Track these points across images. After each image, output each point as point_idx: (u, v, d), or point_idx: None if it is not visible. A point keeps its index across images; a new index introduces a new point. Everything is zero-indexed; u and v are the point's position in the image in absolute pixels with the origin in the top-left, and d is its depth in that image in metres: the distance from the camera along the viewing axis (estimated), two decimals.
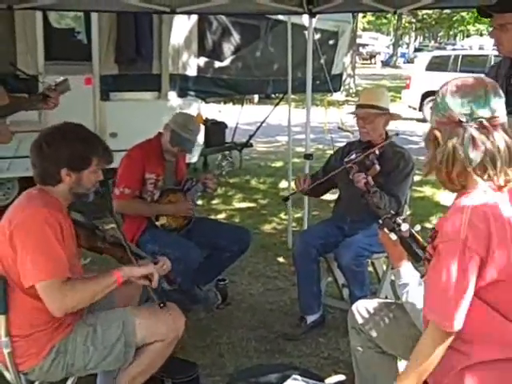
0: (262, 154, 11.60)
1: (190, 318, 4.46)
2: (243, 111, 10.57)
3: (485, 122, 1.98)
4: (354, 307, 3.10)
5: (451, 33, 55.96)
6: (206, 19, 7.92)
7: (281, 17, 8.01)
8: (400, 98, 18.77)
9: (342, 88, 22.97)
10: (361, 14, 29.86)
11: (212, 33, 8.16)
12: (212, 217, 7.02)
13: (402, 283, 2.58)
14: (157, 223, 4.32)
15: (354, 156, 4.20)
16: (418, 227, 2.69)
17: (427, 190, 8.54)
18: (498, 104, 2.02)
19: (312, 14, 5.52)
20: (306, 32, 8.85)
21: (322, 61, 8.17)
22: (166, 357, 3.03)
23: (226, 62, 8.42)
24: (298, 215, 6.62)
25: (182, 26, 7.74)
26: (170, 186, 4.44)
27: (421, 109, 16.82)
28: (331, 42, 9.47)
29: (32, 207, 2.64)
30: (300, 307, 4.38)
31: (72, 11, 6.88)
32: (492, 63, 13.05)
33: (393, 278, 2.89)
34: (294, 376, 3.09)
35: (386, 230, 2.54)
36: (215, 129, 9.34)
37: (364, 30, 47.88)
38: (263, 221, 6.99)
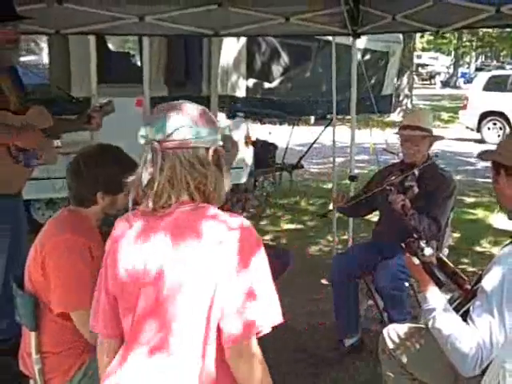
0: (315, 175, 11.57)
1: None
2: (299, 132, 10.59)
3: (155, 145, 1.90)
4: (385, 331, 3.07)
5: None
6: (254, 41, 8.03)
7: (330, 38, 8.02)
8: (458, 118, 18.48)
9: (398, 108, 22.88)
10: (418, 34, 29.57)
11: (261, 54, 8.26)
12: None
13: (428, 308, 2.53)
14: None
15: (393, 177, 4.17)
16: (445, 251, 2.65)
17: (480, 213, 8.36)
18: (173, 126, 1.89)
19: (356, 35, 5.50)
20: None
21: (370, 82, 8.13)
22: None
23: (275, 83, 8.51)
24: (345, 237, 6.56)
25: (230, 48, 7.84)
26: None
27: (478, 130, 16.52)
28: (381, 63, 9.44)
29: (60, 233, 2.66)
30: (338, 330, 4.34)
31: (117, 35, 7.05)
32: None
33: None
34: None
35: (408, 254, 2.50)
36: (265, 150, 9.36)
37: (423, 50, 47.35)
38: (310, 242, 6.97)
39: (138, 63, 7.68)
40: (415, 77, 44.46)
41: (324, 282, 5.57)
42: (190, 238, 1.86)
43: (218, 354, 1.86)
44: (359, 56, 9.06)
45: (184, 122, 1.90)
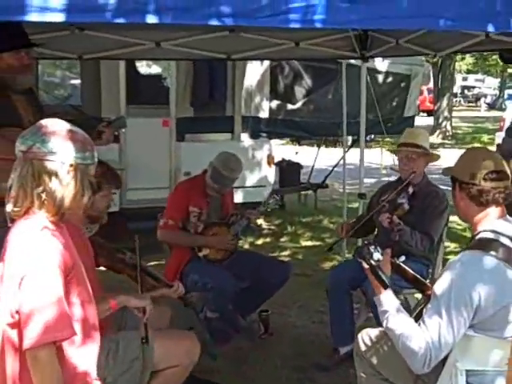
0: (343, 195, 11.69)
1: (232, 346, 4.73)
2: (335, 153, 10.75)
3: (20, 154, 2.15)
4: (359, 335, 3.26)
5: None
6: (278, 64, 8.32)
7: (352, 61, 8.25)
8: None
9: (437, 131, 22.83)
10: (459, 56, 29.42)
11: (284, 77, 8.55)
12: (277, 253, 7.29)
13: (382, 310, 2.74)
14: (199, 254, 4.63)
15: (387, 195, 4.39)
16: (402, 258, 2.86)
17: None
18: (33, 139, 2.14)
19: (365, 59, 5.74)
20: (377, 75, 9.13)
21: (392, 104, 8.31)
22: (180, 382, 3.20)
23: (298, 105, 8.77)
24: None
25: (254, 71, 8.17)
26: (214, 220, 4.75)
27: None
28: (403, 85, 9.62)
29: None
30: (333, 339, 4.53)
31: (135, 60, 7.42)
32: None
33: None
34: None
35: (358, 258, 2.71)
36: (290, 169, 9.66)
37: (469, 72, 46.91)
38: (325, 258, 7.15)
39: (165, 85, 8.04)
40: (461, 99, 44.22)
41: None
42: (9, 247, 2.14)
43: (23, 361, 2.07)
44: (381, 79, 9.33)
45: (41, 137, 2.15)
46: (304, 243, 8.01)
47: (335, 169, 10.86)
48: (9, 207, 2.16)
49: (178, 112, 7.79)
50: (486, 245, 2.62)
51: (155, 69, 8.63)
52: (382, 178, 11.80)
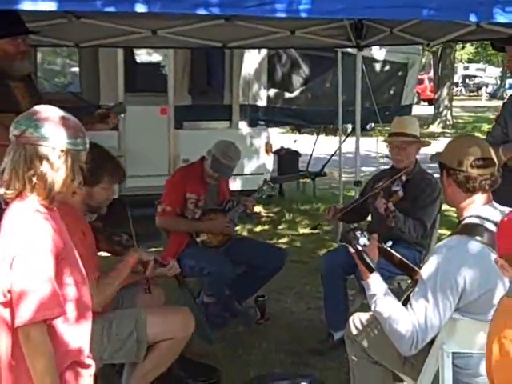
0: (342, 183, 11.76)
1: (229, 330, 4.80)
2: (336, 142, 10.84)
3: (13, 139, 2.20)
4: (350, 319, 3.32)
5: None
6: (275, 53, 8.36)
7: (350, 50, 8.28)
8: None
9: (437, 120, 22.82)
10: (459, 46, 29.36)
11: (281, 65, 8.59)
12: (274, 241, 7.35)
13: (369, 294, 2.80)
14: (197, 239, 4.69)
15: (381, 183, 4.45)
16: (389, 243, 2.92)
17: None
18: (26, 124, 2.18)
19: (360, 48, 5.79)
20: (374, 64, 9.16)
21: (390, 92, 8.35)
22: (176, 355, 3.30)
23: (296, 93, 8.81)
24: None
25: (252, 60, 8.21)
26: (211, 207, 4.81)
27: None
28: (400, 74, 9.66)
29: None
30: (327, 324, 4.60)
31: (132, 48, 7.45)
32: None
33: None
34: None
35: (344, 243, 2.77)
36: (288, 157, 9.71)
37: (470, 61, 46.75)
38: (322, 245, 7.22)
39: (163, 73, 8.09)
40: (462, 88, 44.11)
41: None
42: (2, 229, 2.20)
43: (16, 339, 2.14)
44: (378, 67, 9.37)
45: (34, 123, 2.20)
46: (302, 231, 8.07)
47: (333, 157, 10.92)
48: (1, 190, 2.22)
49: (176, 100, 7.83)
50: (472, 230, 2.68)
51: (153, 57, 8.67)
52: (380, 166, 11.86)
